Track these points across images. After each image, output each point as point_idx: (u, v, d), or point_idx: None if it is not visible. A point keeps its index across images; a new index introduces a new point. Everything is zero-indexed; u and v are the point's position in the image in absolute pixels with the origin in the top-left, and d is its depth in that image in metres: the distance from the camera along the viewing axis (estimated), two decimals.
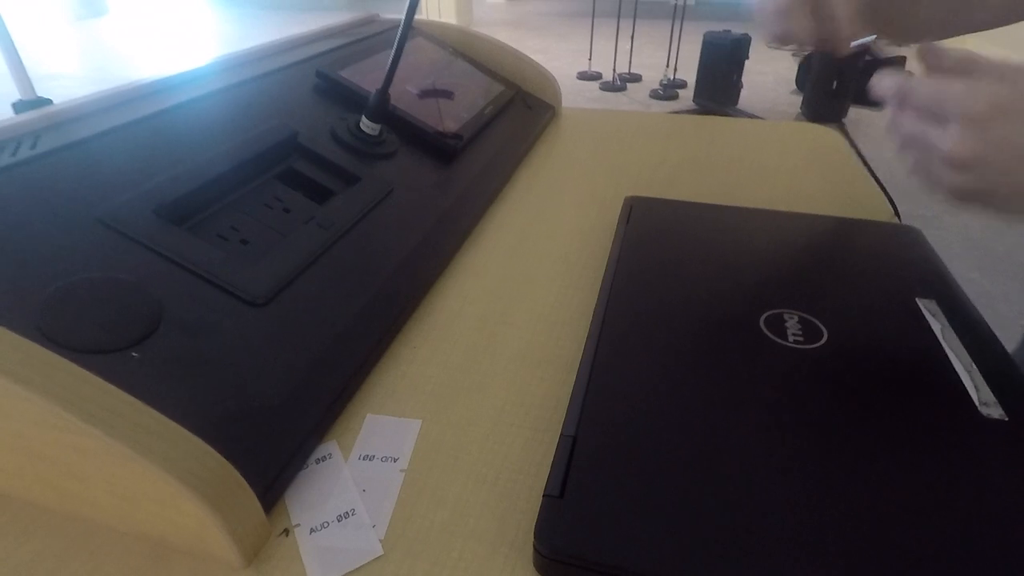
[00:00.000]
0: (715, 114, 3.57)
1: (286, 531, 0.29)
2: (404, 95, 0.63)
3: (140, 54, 5.19)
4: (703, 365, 0.36)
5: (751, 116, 3.39)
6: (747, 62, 3.58)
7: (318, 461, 0.33)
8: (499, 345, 0.41)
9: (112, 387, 0.26)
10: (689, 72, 3.84)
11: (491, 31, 5.68)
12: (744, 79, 3.63)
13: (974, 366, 0.35)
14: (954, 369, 0.35)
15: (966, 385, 0.34)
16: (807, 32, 0.43)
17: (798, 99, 3.75)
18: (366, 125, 0.55)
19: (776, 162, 0.70)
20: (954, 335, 0.38)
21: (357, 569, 0.27)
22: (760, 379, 0.34)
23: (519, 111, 0.77)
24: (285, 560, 0.28)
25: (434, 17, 5.67)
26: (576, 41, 5.15)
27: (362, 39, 0.74)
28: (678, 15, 3.93)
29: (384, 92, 0.54)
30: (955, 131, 0.32)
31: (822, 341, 0.37)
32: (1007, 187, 0.32)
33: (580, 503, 0.27)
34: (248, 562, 0.27)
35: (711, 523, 0.26)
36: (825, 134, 0.80)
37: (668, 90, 3.93)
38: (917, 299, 0.41)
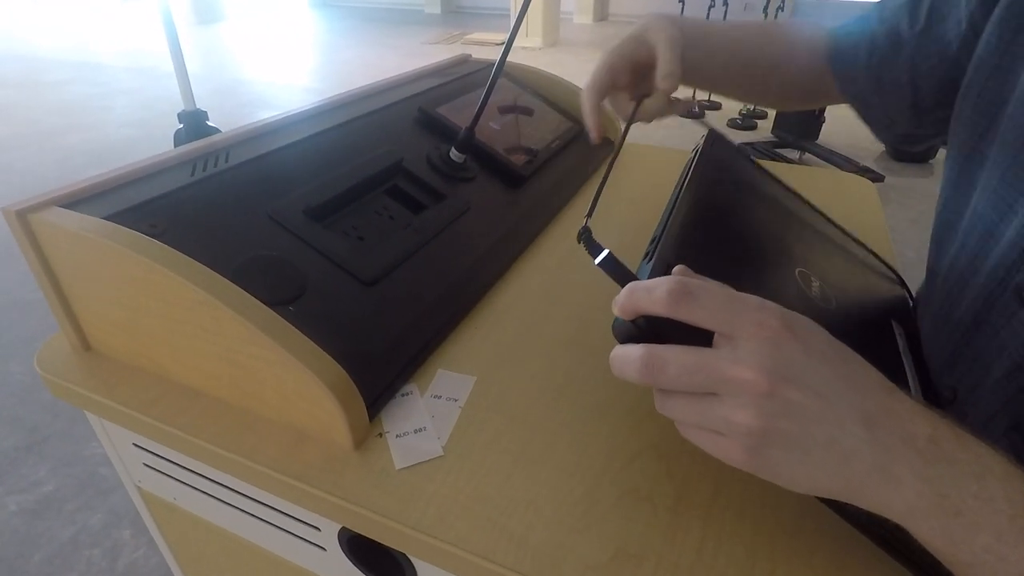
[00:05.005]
0: (790, 147, 3.49)
1: (380, 434, 0.43)
2: (486, 129, 0.77)
3: (252, 57, 5.68)
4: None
5: (828, 151, 3.37)
6: None
7: (403, 395, 0.47)
8: (539, 332, 0.54)
9: (286, 322, 0.41)
10: None
11: (576, 51, 5.74)
12: (828, 112, 3.60)
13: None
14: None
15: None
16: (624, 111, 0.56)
17: None
18: (454, 154, 0.69)
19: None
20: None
21: (425, 462, 0.41)
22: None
23: (582, 145, 0.90)
24: (378, 451, 0.42)
25: (522, 36, 5.87)
26: None
27: (456, 78, 0.90)
28: None
29: (470, 130, 0.68)
30: (738, 404, 0.28)
31: (832, 306, 0.47)
32: (811, 438, 0.28)
33: None
34: (356, 448, 0.42)
35: None
36: (859, 184, 0.89)
37: (747, 120, 3.95)
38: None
